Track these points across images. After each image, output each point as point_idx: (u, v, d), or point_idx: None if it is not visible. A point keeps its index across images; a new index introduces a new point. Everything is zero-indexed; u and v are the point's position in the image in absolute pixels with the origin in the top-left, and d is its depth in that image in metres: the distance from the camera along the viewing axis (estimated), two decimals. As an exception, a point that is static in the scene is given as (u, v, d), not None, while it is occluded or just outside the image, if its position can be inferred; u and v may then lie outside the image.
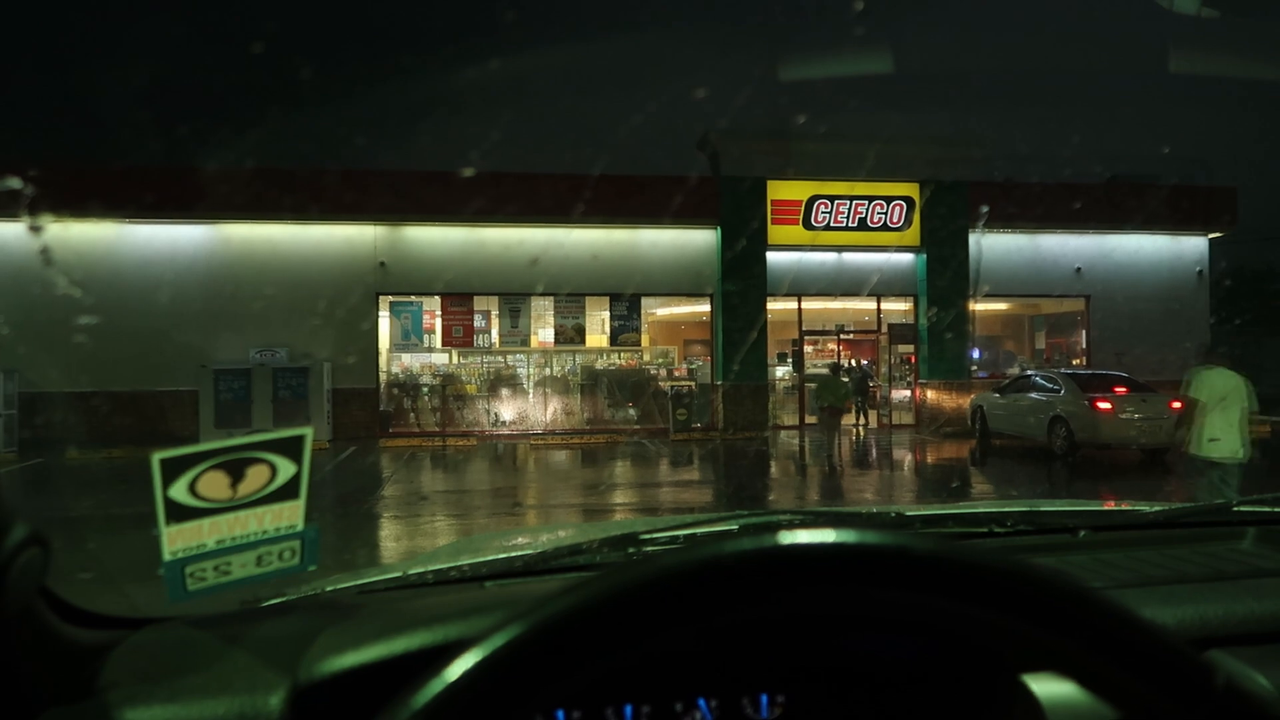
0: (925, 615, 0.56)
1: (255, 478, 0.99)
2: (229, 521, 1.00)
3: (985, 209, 18.17)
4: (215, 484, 0.96)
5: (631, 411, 19.31)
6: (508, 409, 19.18)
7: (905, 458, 15.28)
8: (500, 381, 19.31)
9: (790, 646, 0.93)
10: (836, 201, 18.92)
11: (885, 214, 19.13)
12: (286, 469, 1.01)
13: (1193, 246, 20.69)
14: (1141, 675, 0.53)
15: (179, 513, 0.96)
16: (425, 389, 19.00)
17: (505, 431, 18.76)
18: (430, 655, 0.81)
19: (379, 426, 18.14)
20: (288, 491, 1.02)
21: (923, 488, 12.04)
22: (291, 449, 1.00)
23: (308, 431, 1.00)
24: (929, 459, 15.23)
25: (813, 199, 18.86)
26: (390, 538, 8.32)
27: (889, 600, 0.54)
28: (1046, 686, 0.90)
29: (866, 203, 19.04)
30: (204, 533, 0.99)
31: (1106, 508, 1.76)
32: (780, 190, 18.86)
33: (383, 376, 18.80)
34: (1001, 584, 0.53)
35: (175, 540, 0.98)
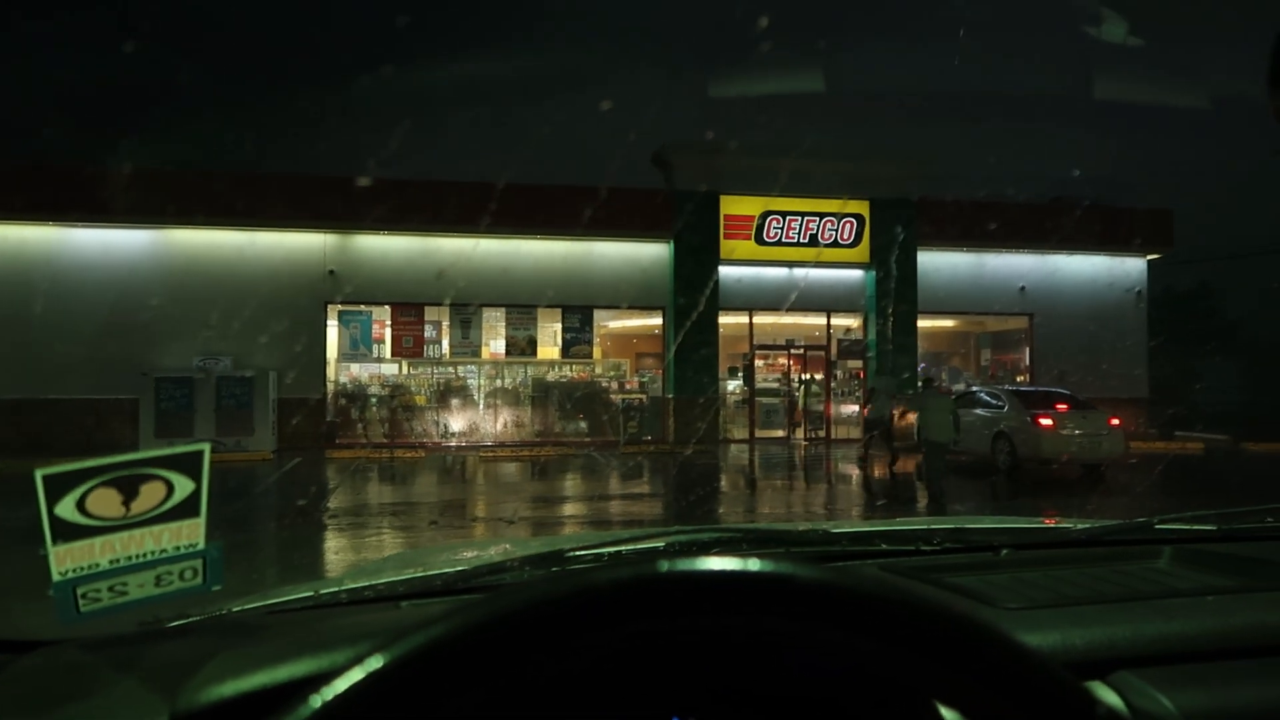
0: (812, 644, 0.55)
1: (150, 495, 0.95)
2: (123, 540, 0.96)
3: (940, 229, 18.50)
4: (106, 501, 0.93)
5: (582, 424, 19.25)
6: (457, 420, 19.00)
7: (855, 472, 15.41)
8: (450, 393, 19.13)
9: (701, 669, 0.92)
10: (788, 217, 19.11)
11: (836, 230, 19.37)
12: (184, 485, 0.97)
13: (1131, 267, 21.26)
14: (1021, 706, 0.53)
15: (67, 531, 0.92)
16: (374, 399, 18.75)
17: (455, 443, 18.58)
18: (316, 682, 0.78)
19: (325, 437, 17.85)
20: (186, 509, 0.98)
21: (866, 502, 12.15)
22: (189, 465, 0.97)
23: (205, 447, 0.97)
24: (877, 473, 15.39)
25: (765, 214, 19.03)
26: (332, 551, 8.17)
27: (775, 629, 0.53)
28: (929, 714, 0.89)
29: (818, 219, 19.27)
30: (96, 552, 0.95)
31: (1032, 526, 1.78)
32: (733, 205, 19.00)
33: (330, 386, 18.52)
34: (882, 612, 0.52)
35: (65, 559, 0.94)
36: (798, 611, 0.52)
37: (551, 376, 19.54)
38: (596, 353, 19.86)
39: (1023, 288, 20.55)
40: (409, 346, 18.75)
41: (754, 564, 0.53)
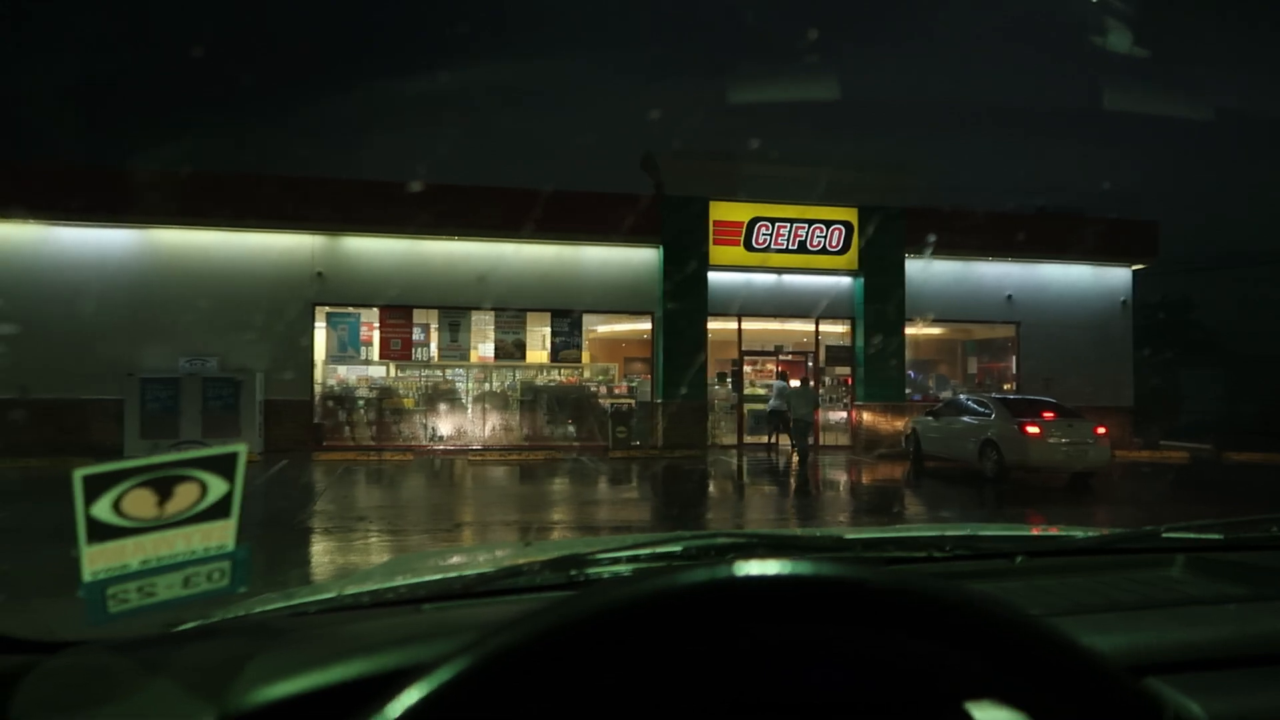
0: (874, 648, 0.55)
1: (184, 496, 0.95)
2: (155, 541, 0.96)
3: (929, 237, 18.58)
4: (141, 502, 0.92)
5: (571, 428, 19.22)
6: (446, 424, 18.95)
7: (845, 478, 15.45)
8: (438, 396, 19.08)
9: (723, 678, 0.92)
10: (777, 224, 19.17)
11: (825, 238, 19.44)
12: (218, 487, 0.97)
13: (1117, 277, 21.41)
14: (1090, 709, 0.53)
15: (101, 532, 0.91)
16: (361, 402, 18.68)
17: (443, 447, 18.53)
18: (368, 684, 0.78)
19: (313, 440, 17.76)
20: (218, 510, 0.98)
21: (860, 509, 12.19)
22: (224, 466, 0.96)
23: (241, 448, 0.97)
24: (865, 480, 15.43)
25: (754, 221, 19.08)
26: (322, 554, 8.12)
27: (840, 633, 0.54)
28: (991, 716, 0.90)
29: (806, 226, 19.33)
30: (128, 553, 0.95)
31: (1041, 533, 1.79)
32: (722, 211, 19.04)
33: (318, 389, 18.43)
34: (964, 618, 0.53)
35: (96, 560, 0.93)
36: (873, 616, 0.52)
37: (540, 380, 19.52)
38: (585, 357, 19.85)
39: (1010, 296, 20.67)
40: (397, 349, 18.68)
41: (827, 568, 0.53)
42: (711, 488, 14.13)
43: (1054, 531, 1.81)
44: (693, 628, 0.51)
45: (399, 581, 1.37)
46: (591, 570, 1.36)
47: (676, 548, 1.48)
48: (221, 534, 1.00)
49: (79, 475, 0.86)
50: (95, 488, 0.88)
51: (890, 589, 0.53)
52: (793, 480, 15.00)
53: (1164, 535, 1.68)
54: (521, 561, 1.40)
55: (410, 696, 0.47)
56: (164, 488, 0.93)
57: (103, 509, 0.90)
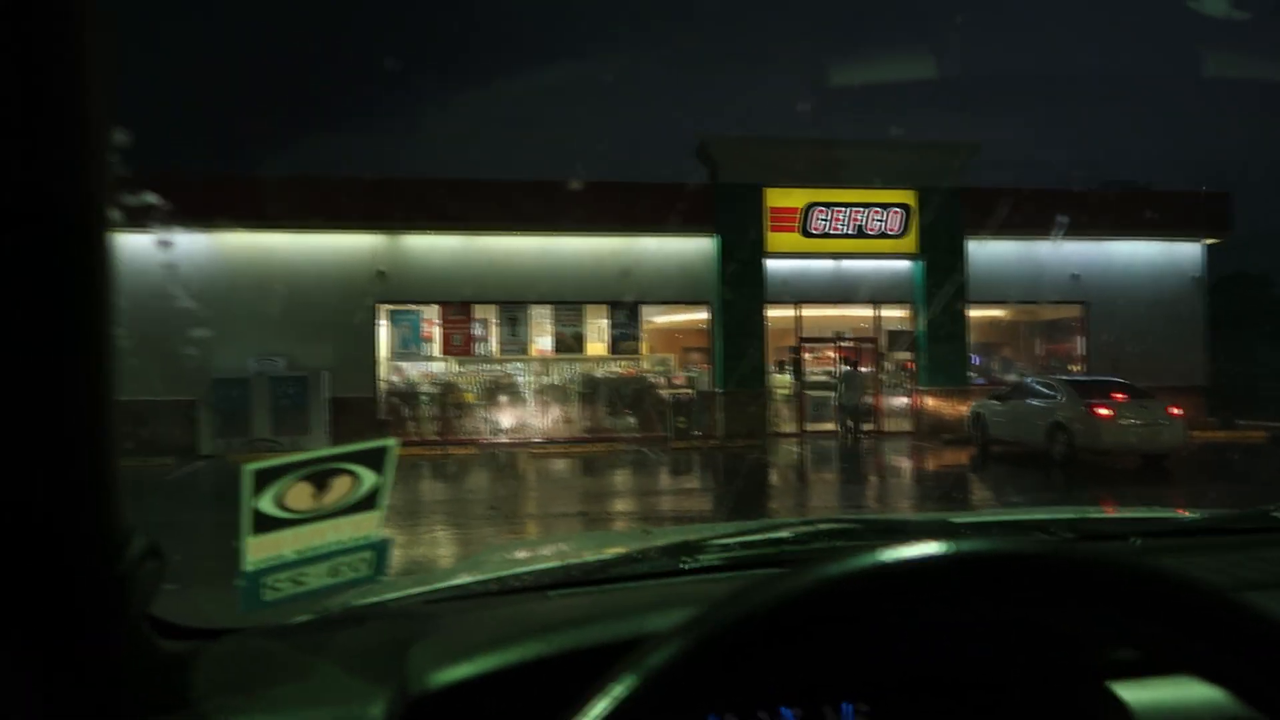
0: (1059, 621, 0.56)
1: (338, 488, 0.99)
2: (309, 532, 1.00)
3: (990, 217, 18.24)
4: (300, 495, 0.96)
5: (631, 419, 19.29)
6: (507, 417, 19.16)
7: (910, 464, 15.28)
8: (499, 390, 19.29)
9: (868, 653, 0.93)
10: (834, 209, 18.97)
11: (883, 221, 19.19)
12: (369, 479, 1.01)
13: (1188, 252, 20.78)
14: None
15: (264, 523, 0.95)
16: (424, 397, 18.97)
17: (504, 440, 18.73)
18: (542, 665, 0.81)
19: (377, 435, 18.03)
20: (368, 502, 1.02)
21: (935, 494, 12.05)
22: (375, 459, 1.00)
23: (392, 442, 1.00)
24: (931, 465, 15.25)
25: (810, 206, 18.91)
26: (415, 545, 8.27)
27: (1031, 610, 0.54)
28: (1137, 694, 0.90)
29: (864, 210, 19.11)
30: (285, 544, 0.99)
31: (1152, 514, 1.76)
32: (778, 198, 18.90)
33: (381, 385, 18.76)
34: (1174, 594, 0.53)
35: (257, 551, 0.97)
36: (1094, 594, 0.53)
37: (599, 372, 19.61)
38: (644, 348, 19.89)
39: (1076, 275, 20.18)
40: (458, 344, 18.93)
41: (1031, 543, 0.54)
42: (781, 476, 14.09)
43: (1159, 513, 1.78)
44: (909, 602, 0.52)
45: (522, 569, 1.40)
46: (704, 557, 1.38)
47: (786, 533, 1.49)
48: (368, 525, 1.04)
49: (249, 470, 0.90)
50: (262, 481, 0.92)
51: (1111, 564, 0.53)
52: (861, 466, 14.88)
53: (1273, 514, 1.64)
54: (637, 549, 1.43)
55: (657, 658, 0.49)
56: (321, 480, 0.97)
57: (266, 502, 0.94)
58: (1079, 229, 19.80)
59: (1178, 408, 13.58)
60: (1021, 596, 0.53)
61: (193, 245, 17.71)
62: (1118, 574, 0.52)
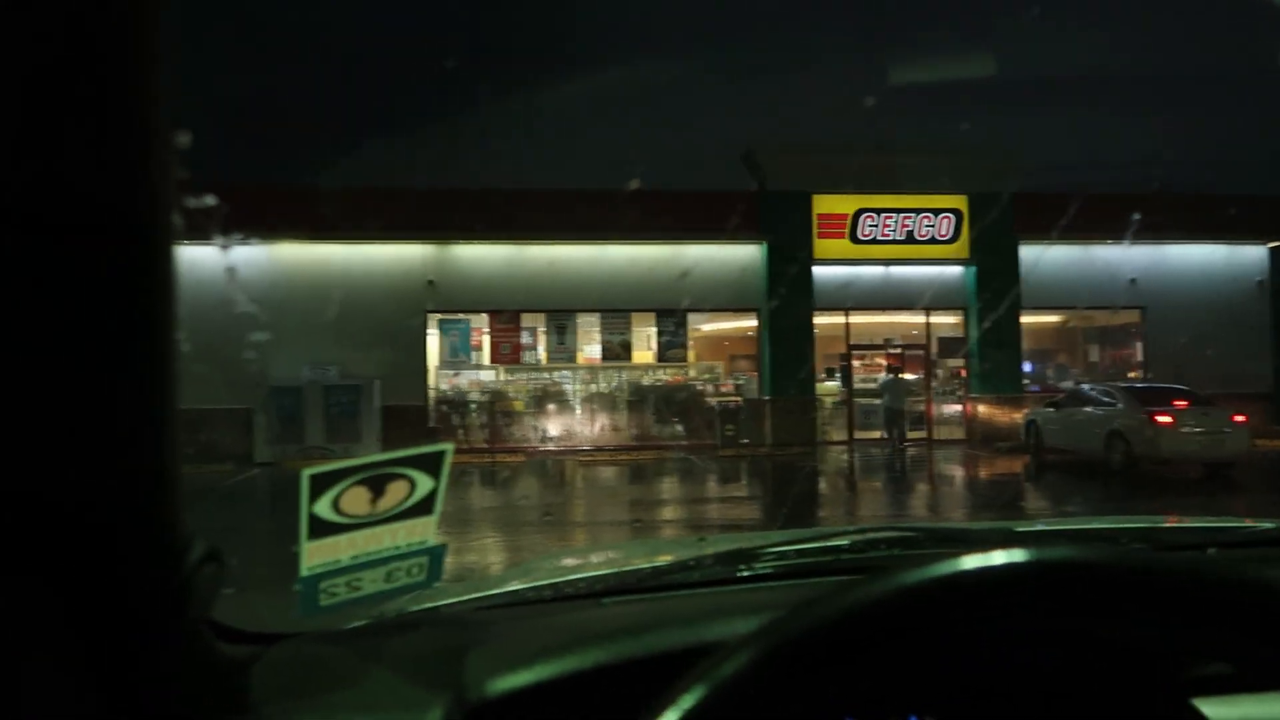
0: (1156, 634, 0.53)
1: (395, 493, 0.99)
2: (366, 537, 1.00)
3: (1044, 222, 17.91)
4: (357, 499, 0.96)
5: (679, 427, 19.26)
6: (555, 425, 19.24)
7: (963, 472, 15.04)
8: (547, 398, 19.39)
9: (939, 662, 0.90)
10: (883, 215, 18.78)
11: (933, 226, 18.95)
12: (425, 484, 1.00)
13: (1253, 255, 20.19)
14: None
15: (321, 528, 0.96)
16: (473, 406, 19.13)
17: (553, 448, 18.81)
18: (601, 673, 0.80)
19: (428, 443, 18.22)
20: (423, 507, 1.02)
21: (992, 502, 11.83)
22: (431, 464, 1.00)
23: (448, 447, 1.00)
24: (985, 474, 14.99)
25: (859, 212, 18.74)
26: (466, 552, 8.32)
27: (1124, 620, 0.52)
28: (1223, 711, 0.86)
29: (914, 215, 18.89)
30: (341, 548, 0.99)
31: (1225, 524, 1.70)
32: (826, 204, 18.77)
33: (431, 393, 18.97)
34: (1268, 605, 0.50)
35: (314, 555, 0.98)
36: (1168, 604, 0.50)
37: (647, 380, 19.62)
38: (691, 356, 19.86)
39: (1133, 280, 19.71)
40: (506, 353, 19.08)
41: (1112, 554, 0.52)
42: (834, 484, 13.96)
43: (1232, 524, 1.72)
44: (988, 611, 0.50)
45: (575, 576, 1.40)
46: (760, 565, 1.35)
47: (844, 541, 1.46)
48: (424, 530, 1.04)
49: (306, 474, 0.91)
50: (320, 486, 0.92)
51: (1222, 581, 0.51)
52: (912, 475, 14.68)
53: None
54: (690, 557, 1.41)
55: (728, 668, 0.48)
56: (378, 485, 0.97)
57: (324, 507, 0.94)
58: (1138, 232, 19.35)
59: (1242, 415, 13.17)
60: (1112, 607, 0.50)
61: (249, 255, 18.08)
62: (1220, 585, 0.50)
